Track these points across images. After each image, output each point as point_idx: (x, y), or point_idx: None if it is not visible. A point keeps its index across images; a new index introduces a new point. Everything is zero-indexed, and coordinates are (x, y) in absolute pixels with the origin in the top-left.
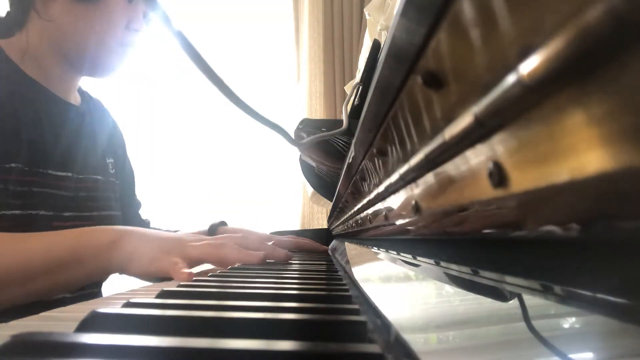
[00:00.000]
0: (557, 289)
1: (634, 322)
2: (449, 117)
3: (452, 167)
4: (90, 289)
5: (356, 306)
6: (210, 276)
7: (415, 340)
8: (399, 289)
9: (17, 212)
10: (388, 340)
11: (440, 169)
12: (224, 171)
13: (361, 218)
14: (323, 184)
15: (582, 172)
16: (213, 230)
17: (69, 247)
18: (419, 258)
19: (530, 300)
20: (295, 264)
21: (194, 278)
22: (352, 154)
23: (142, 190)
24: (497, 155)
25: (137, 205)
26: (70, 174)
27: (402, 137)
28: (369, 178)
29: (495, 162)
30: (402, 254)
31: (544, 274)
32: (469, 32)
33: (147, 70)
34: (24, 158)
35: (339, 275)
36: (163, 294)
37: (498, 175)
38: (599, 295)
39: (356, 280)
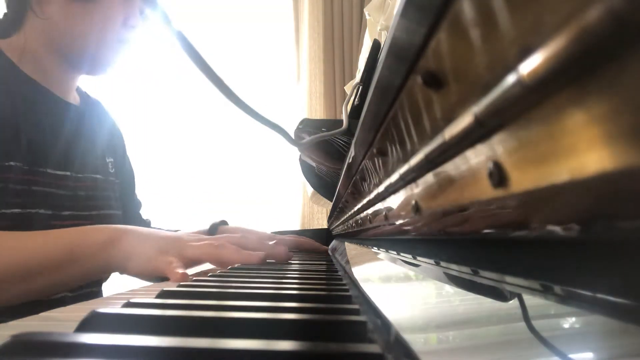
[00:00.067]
0: (557, 289)
1: (634, 322)
2: (449, 117)
3: (452, 167)
4: (90, 288)
5: (356, 306)
6: (210, 276)
7: (415, 340)
8: (399, 289)
9: (16, 210)
10: (388, 340)
11: (440, 169)
12: (224, 171)
13: (361, 218)
14: (323, 184)
15: (582, 172)
16: (214, 229)
17: (66, 246)
18: (419, 258)
19: (530, 300)
20: (295, 264)
21: (194, 278)
22: (352, 154)
23: (142, 190)
24: (497, 155)
25: (138, 204)
26: (69, 173)
27: (402, 137)
28: (369, 178)
29: (495, 162)
30: (402, 254)
31: (544, 274)
32: (468, 32)
33: (147, 70)
34: (23, 157)
35: (339, 275)
36: (163, 294)
37: (498, 175)
38: (599, 295)
39: (356, 280)
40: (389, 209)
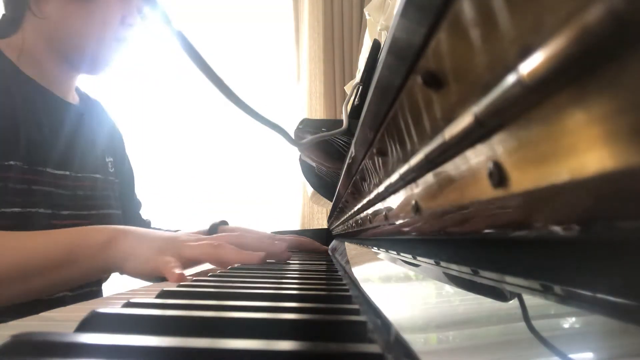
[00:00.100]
0: (557, 289)
1: (634, 322)
2: (449, 117)
3: (452, 167)
4: (90, 288)
5: (356, 306)
6: (210, 276)
7: (415, 340)
8: (399, 289)
9: (16, 210)
10: (388, 340)
11: (440, 169)
12: (224, 171)
13: (361, 218)
14: (323, 184)
15: (582, 172)
16: (214, 229)
17: (65, 247)
18: (419, 258)
19: (530, 300)
20: (295, 264)
21: (194, 278)
22: (352, 154)
23: (142, 190)
24: (497, 155)
25: (137, 204)
26: (68, 173)
27: (402, 137)
28: (369, 178)
29: (495, 162)
30: (402, 254)
31: (544, 274)
32: (468, 32)
33: (147, 70)
34: (23, 156)
35: (339, 275)
36: (163, 294)
37: (498, 175)
38: (599, 295)
39: (356, 280)
40: (389, 209)
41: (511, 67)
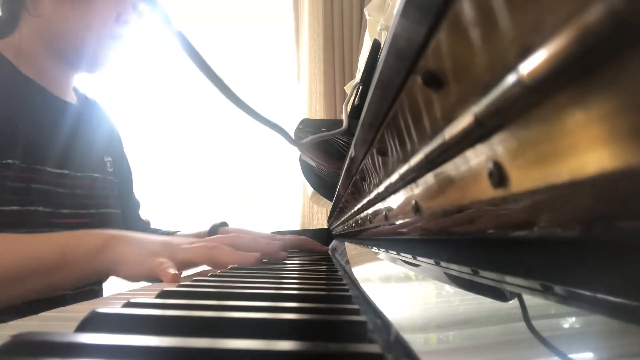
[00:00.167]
0: (557, 289)
1: (634, 322)
2: (449, 117)
3: (452, 167)
4: (91, 287)
5: (356, 306)
6: (210, 276)
7: (415, 340)
8: (399, 289)
9: (15, 208)
10: (388, 340)
11: (440, 169)
12: (224, 171)
13: (361, 218)
14: (323, 184)
15: (582, 172)
16: (214, 231)
17: (59, 250)
18: (419, 258)
19: (530, 300)
20: (295, 264)
21: (194, 278)
22: (352, 154)
23: (142, 191)
24: (497, 155)
25: (136, 204)
26: (67, 172)
27: (402, 137)
28: (369, 178)
29: (495, 162)
30: (402, 254)
31: (544, 274)
32: (468, 32)
33: (147, 69)
34: (21, 155)
35: (339, 275)
36: (163, 294)
37: (498, 175)
38: (599, 295)
39: (356, 280)
40: (389, 209)
41: (511, 67)
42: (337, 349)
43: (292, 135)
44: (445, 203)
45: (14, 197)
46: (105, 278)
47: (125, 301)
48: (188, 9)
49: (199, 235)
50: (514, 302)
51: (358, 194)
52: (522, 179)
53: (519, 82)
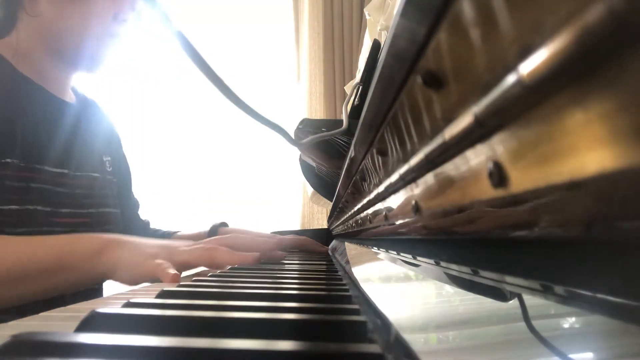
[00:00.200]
0: (557, 289)
1: (634, 322)
2: (449, 117)
3: (452, 167)
4: (91, 286)
5: (356, 306)
6: (210, 276)
7: (415, 340)
8: (399, 289)
9: (14, 207)
10: (388, 340)
11: (440, 169)
12: (224, 171)
13: (361, 218)
14: (323, 184)
15: (582, 172)
16: (214, 231)
17: (56, 254)
18: (419, 258)
19: (530, 300)
20: (295, 264)
21: (194, 278)
22: (352, 154)
23: (142, 191)
24: (497, 155)
25: (136, 204)
26: (67, 171)
27: (402, 137)
28: (369, 178)
29: (495, 162)
30: (402, 254)
31: (544, 274)
32: (468, 32)
33: (147, 69)
34: (19, 154)
35: (339, 275)
36: (163, 294)
37: (498, 176)
38: (599, 295)
39: (356, 280)
40: (389, 209)
41: (511, 67)
42: (337, 349)
43: (292, 135)
44: (445, 203)
45: (13, 196)
46: (102, 281)
47: (125, 301)
48: (188, 9)
49: (199, 236)
50: (514, 302)
51: (358, 194)
52: (522, 179)
53: (519, 82)
